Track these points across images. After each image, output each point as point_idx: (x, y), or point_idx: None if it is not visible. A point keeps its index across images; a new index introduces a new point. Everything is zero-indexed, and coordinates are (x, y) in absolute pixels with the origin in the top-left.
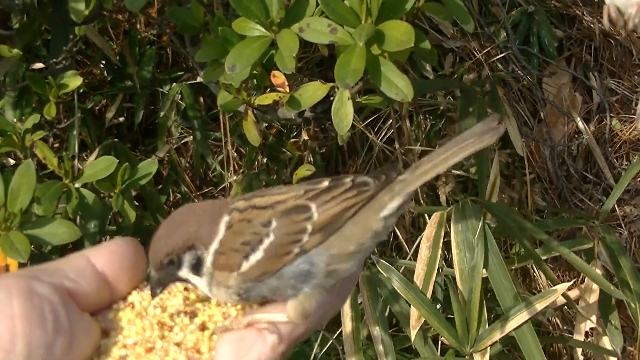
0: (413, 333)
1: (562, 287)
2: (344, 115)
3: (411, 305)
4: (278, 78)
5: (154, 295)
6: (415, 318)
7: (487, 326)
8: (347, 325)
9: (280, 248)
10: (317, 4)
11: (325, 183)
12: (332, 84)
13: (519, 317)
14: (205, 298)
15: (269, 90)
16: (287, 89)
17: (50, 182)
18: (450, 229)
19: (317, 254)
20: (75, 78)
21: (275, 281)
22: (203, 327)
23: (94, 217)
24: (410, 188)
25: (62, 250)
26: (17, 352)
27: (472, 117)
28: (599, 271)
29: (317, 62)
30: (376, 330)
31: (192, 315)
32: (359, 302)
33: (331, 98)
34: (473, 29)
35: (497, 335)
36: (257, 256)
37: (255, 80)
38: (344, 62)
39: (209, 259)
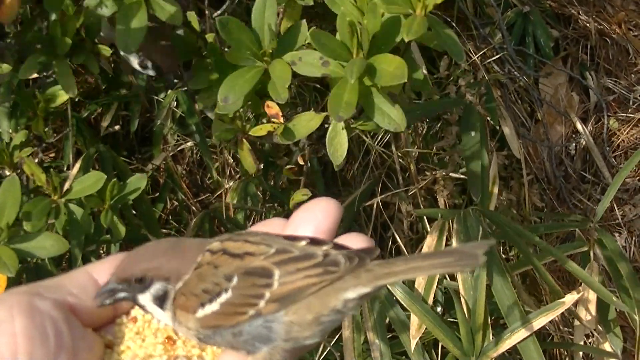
0: (412, 343)
1: (569, 299)
2: (338, 145)
3: (411, 315)
4: (272, 109)
5: (98, 304)
6: (416, 328)
7: (491, 335)
8: (346, 331)
9: (236, 307)
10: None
11: (300, 245)
12: (325, 113)
13: (524, 331)
14: None
15: (264, 119)
16: (281, 120)
17: (39, 198)
18: (451, 237)
19: (275, 319)
20: (62, 92)
21: (230, 336)
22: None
23: (82, 233)
24: (376, 282)
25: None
26: None
27: (475, 132)
28: (596, 277)
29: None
30: (373, 337)
31: (189, 339)
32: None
33: (326, 125)
34: (463, 60)
35: (502, 348)
36: (212, 307)
37: (249, 108)
38: (336, 95)
39: (171, 296)
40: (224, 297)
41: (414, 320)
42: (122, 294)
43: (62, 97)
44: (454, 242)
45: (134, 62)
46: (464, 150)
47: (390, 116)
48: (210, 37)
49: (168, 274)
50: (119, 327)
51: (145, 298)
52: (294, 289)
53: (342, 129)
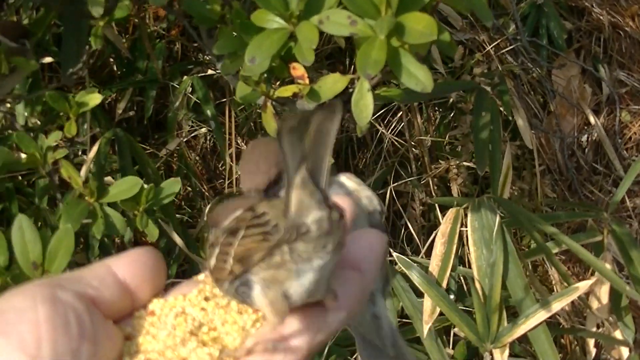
0: (425, 328)
1: (583, 285)
2: (364, 107)
3: (424, 300)
4: (298, 70)
5: None
6: (428, 313)
7: (505, 321)
8: None
9: (218, 263)
10: None
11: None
12: (351, 76)
13: (538, 316)
14: (224, 305)
15: (284, 82)
16: (307, 81)
17: (75, 200)
18: (465, 225)
19: (248, 280)
20: (94, 96)
21: (231, 290)
22: (219, 341)
23: (117, 235)
24: None
25: None
26: (43, 357)
27: (486, 116)
28: (608, 265)
29: (327, 55)
30: None
31: (211, 327)
32: None
33: (350, 90)
34: (491, 22)
35: (517, 333)
36: (211, 261)
37: (273, 72)
38: (364, 52)
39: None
40: (215, 251)
41: (427, 305)
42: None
43: (95, 100)
44: (469, 230)
45: None
46: (475, 128)
47: (417, 77)
48: (235, 3)
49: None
50: (138, 320)
51: None
52: (240, 256)
53: (368, 90)
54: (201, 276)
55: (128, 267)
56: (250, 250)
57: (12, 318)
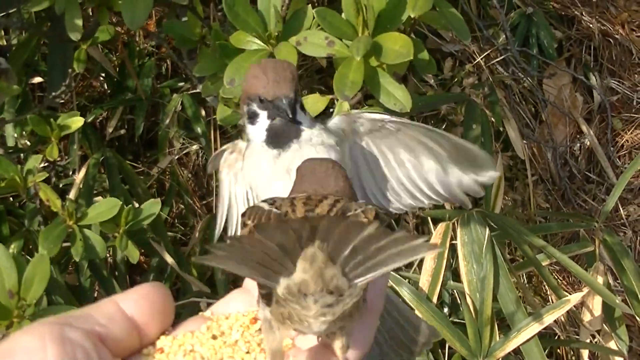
0: None
1: (574, 297)
2: None
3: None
4: None
5: None
6: None
7: (497, 335)
8: None
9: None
10: (314, 17)
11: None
12: (331, 96)
13: (530, 330)
14: (232, 344)
15: None
16: None
17: (54, 223)
18: (455, 239)
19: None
20: (77, 119)
21: None
22: None
23: (97, 258)
24: None
25: None
26: None
27: (477, 128)
28: (600, 277)
29: (317, 70)
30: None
31: None
32: None
33: (330, 109)
34: (469, 39)
35: (509, 347)
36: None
37: None
38: (342, 74)
39: None
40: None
41: None
42: None
43: (76, 124)
44: (459, 245)
45: None
46: (465, 139)
47: (395, 96)
48: (215, 25)
49: None
50: (146, 357)
51: None
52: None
53: (347, 110)
54: (208, 312)
55: (136, 304)
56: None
57: (22, 359)
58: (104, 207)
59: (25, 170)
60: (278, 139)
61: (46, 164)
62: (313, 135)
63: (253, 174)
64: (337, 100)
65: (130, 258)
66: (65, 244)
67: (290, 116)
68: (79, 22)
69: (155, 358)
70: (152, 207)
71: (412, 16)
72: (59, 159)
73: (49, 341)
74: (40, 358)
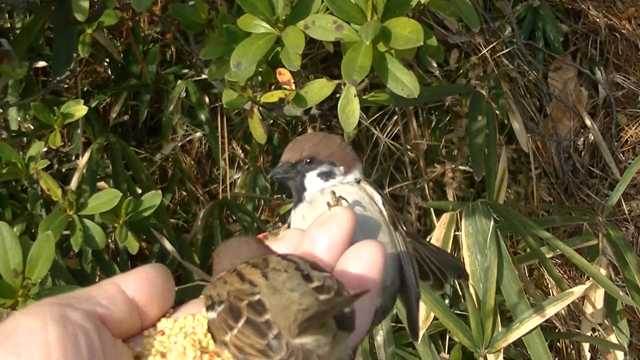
0: (420, 334)
1: (577, 290)
2: (350, 112)
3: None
4: (284, 75)
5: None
6: (423, 319)
7: (499, 326)
8: None
9: (217, 329)
10: (323, 1)
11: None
12: (338, 81)
13: (533, 321)
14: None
15: (274, 87)
16: (293, 86)
17: (55, 213)
18: (459, 229)
19: None
20: (80, 107)
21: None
22: None
23: (97, 248)
24: None
25: None
26: None
27: (482, 120)
28: (603, 270)
29: (322, 59)
30: (377, 328)
31: (216, 352)
32: None
33: (337, 95)
34: (479, 27)
35: (511, 338)
36: (211, 315)
37: (260, 78)
38: (350, 58)
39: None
40: (212, 314)
41: (421, 311)
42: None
43: (80, 112)
44: (463, 235)
45: None
46: (470, 132)
47: (403, 82)
48: (222, 8)
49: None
50: (147, 339)
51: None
52: (241, 347)
53: (355, 96)
54: None
55: (137, 286)
56: (247, 352)
57: (23, 339)
58: (105, 197)
59: (28, 157)
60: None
61: (48, 151)
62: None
63: None
64: (344, 85)
65: (129, 249)
66: (65, 232)
67: (272, 177)
68: (86, 3)
69: (155, 340)
70: (152, 198)
71: (422, 2)
72: (61, 144)
73: (50, 322)
74: (41, 338)
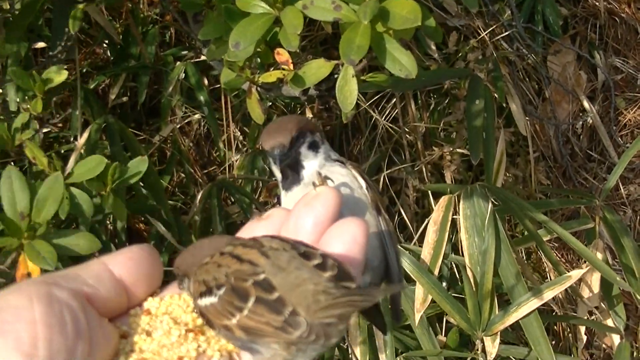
0: (417, 317)
1: (575, 273)
2: (348, 93)
3: (416, 288)
4: (282, 55)
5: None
6: (420, 301)
7: (497, 309)
8: None
9: (219, 313)
10: None
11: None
12: (336, 62)
13: (530, 304)
14: None
15: (272, 68)
16: (291, 67)
17: (40, 182)
18: (457, 212)
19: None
20: (60, 73)
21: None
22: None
23: (84, 217)
24: None
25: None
26: (39, 356)
27: (480, 103)
28: (600, 254)
29: (321, 41)
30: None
31: (201, 331)
32: None
33: (335, 76)
34: (477, 9)
35: (509, 321)
36: (205, 301)
37: (259, 58)
38: (348, 38)
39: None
40: (211, 299)
41: (419, 293)
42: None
43: (60, 77)
44: (461, 218)
45: None
46: (468, 115)
47: (401, 62)
48: None
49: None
50: (134, 318)
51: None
52: (253, 327)
53: (352, 76)
54: None
55: (124, 265)
56: (262, 330)
57: (9, 317)
58: (90, 164)
59: (13, 128)
60: (284, 181)
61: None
62: (313, 177)
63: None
64: (342, 66)
65: (117, 217)
66: None
67: (281, 163)
68: None
69: (142, 319)
70: (139, 164)
71: None
72: (60, 125)
73: (36, 300)
74: (27, 316)
